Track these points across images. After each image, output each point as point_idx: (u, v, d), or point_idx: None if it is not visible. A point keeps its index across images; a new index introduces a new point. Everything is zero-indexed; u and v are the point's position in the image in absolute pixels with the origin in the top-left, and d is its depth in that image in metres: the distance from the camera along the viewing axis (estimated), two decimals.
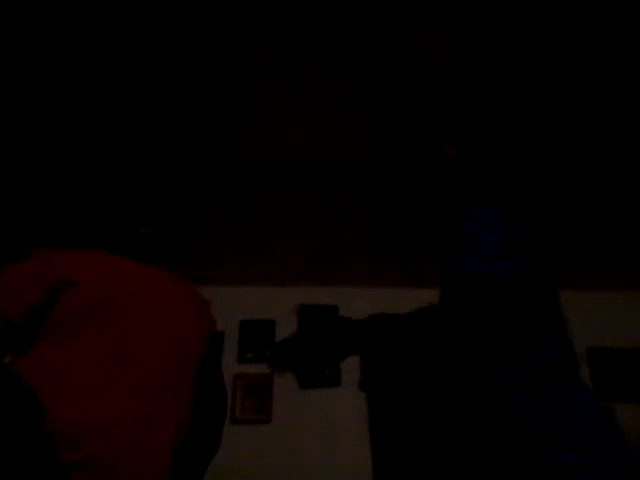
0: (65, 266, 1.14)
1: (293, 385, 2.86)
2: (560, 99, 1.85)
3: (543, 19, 1.57)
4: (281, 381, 2.86)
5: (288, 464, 2.66)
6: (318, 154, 2.14)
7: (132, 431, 1.01)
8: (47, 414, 0.93)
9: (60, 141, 2.05)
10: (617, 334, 2.97)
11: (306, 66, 1.73)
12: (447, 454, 2.38)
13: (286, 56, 1.69)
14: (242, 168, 2.22)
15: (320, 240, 2.71)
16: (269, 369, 1.87)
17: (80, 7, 1.53)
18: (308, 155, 2.14)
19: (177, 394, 1.14)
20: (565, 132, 2.00)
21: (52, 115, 1.92)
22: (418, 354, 1.08)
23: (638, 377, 2.85)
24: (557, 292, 1.19)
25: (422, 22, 1.56)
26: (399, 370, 2.85)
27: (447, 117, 1.24)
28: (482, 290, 1.01)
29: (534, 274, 1.11)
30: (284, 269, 3.00)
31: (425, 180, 1.18)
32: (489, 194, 1.21)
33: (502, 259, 1.03)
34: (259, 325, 3.03)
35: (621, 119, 1.93)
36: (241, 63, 1.73)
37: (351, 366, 2.90)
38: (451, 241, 1.12)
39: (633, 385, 2.83)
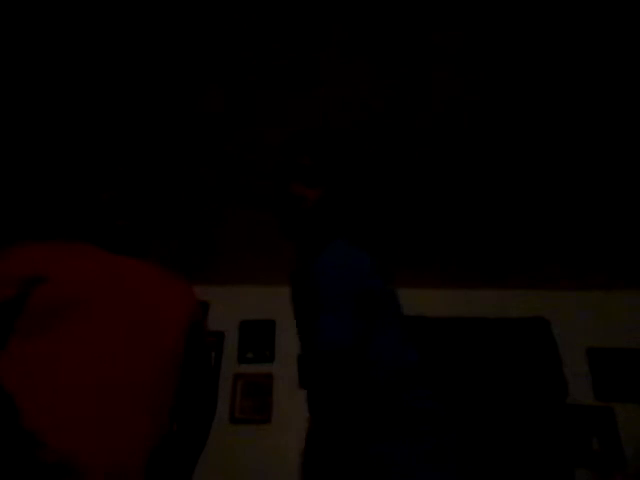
0: (35, 262, 1.10)
1: (293, 385, 2.86)
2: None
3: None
4: (281, 381, 2.86)
5: (288, 464, 2.66)
6: None
7: (104, 431, 0.99)
8: (22, 416, 0.91)
9: (36, 132, 2.02)
10: (617, 334, 2.97)
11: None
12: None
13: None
14: (239, 166, 2.22)
15: None
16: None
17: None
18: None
19: (154, 391, 1.10)
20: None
21: (29, 106, 1.91)
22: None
23: (638, 377, 2.85)
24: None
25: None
26: None
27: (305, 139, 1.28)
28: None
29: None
30: (284, 269, 2.99)
31: (293, 199, 1.21)
32: (348, 223, 1.26)
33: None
34: (259, 325, 3.03)
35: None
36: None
37: None
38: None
39: (633, 385, 2.83)
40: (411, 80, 1.78)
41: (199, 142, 2.09)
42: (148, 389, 1.09)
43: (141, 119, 1.97)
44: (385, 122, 1.97)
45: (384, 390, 1.04)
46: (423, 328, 2.96)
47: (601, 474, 2.62)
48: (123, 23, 1.60)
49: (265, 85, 1.83)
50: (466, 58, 1.70)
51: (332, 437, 1.05)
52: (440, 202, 2.40)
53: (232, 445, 2.69)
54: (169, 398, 1.16)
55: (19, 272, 1.08)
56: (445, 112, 1.92)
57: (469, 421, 2.75)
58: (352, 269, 1.10)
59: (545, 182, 2.26)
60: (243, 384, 2.84)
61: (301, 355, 1.28)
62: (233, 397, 2.80)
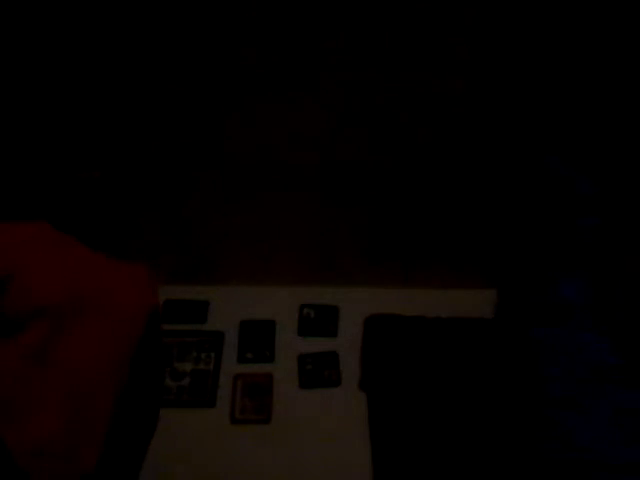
0: (6, 260, 1.09)
1: (293, 385, 2.86)
2: None
3: None
4: (281, 381, 2.87)
5: (288, 464, 2.66)
6: (317, 153, 2.14)
7: (59, 441, 0.99)
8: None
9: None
10: None
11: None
12: (451, 453, 2.38)
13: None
14: (240, 167, 2.22)
15: (320, 240, 2.71)
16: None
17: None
18: (308, 154, 2.14)
19: (103, 394, 1.09)
20: None
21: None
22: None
23: None
24: None
25: None
26: (403, 371, 2.85)
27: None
28: None
29: None
30: (284, 269, 3.00)
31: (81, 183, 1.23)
32: None
33: None
34: (259, 325, 3.03)
35: None
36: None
37: (351, 366, 2.90)
38: None
39: None
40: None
41: (199, 142, 2.09)
42: (100, 392, 1.09)
43: (139, 118, 1.98)
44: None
45: None
46: (423, 328, 2.96)
47: None
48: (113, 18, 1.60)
49: (266, 85, 1.83)
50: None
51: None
52: (440, 202, 2.41)
53: (232, 445, 2.69)
54: (111, 396, 1.15)
55: None
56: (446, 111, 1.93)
57: (469, 420, 2.75)
58: None
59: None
60: (243, 384, 2.84)
61: None
62: (233, 397, 2.80)
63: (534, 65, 1.68)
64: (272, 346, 2.97)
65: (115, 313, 1.15)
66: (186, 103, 1.89)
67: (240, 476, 2.62)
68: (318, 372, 2.89)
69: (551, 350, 1.02)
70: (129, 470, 1.14)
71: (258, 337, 3.00)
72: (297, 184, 2.28)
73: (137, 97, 1.87)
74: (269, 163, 2.16)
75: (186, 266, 2.97)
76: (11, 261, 1.09)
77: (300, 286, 3.13)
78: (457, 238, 2.65)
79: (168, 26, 1.65)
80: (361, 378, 2.87)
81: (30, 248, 1.13)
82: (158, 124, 1.97)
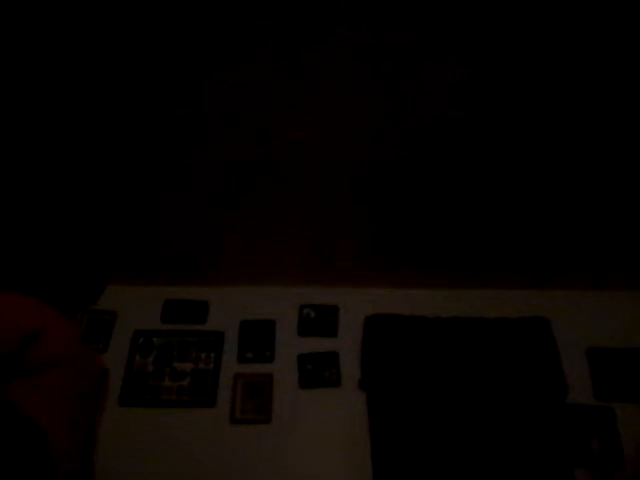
0: (29, 319, 1.35)
1: (293, 385, 2.86)
2: None
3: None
4: (281, 381, 2.87)
5: (288, 464, 2.66)
6: (319, 153, 2.14)
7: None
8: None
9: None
10: (617, 334, 2.98)
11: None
12: (451, 453, 2.39)
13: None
14: (240, 167, 2.22)
15: (320, 240, 2.71)
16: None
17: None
18: (308, 154, 2.14)
19: None
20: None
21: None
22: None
23: (638, 377, 2.85)
24: None
25: None
26: (403, 371, 2.85)
27: None
28: None
29: None
30: (284, 269, 3.00)
31: None
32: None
33: None
34: (259, 325, 3.03)
35: None
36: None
37: (351, 366, 2.91)
38: None
39: (633, 385, 2.83)
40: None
41: (198, 142, 2.09)
42: None
43: (137, 118, 1.97)
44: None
45: None
46: (423, 328, 2.96)
47: (601, 474, 2.62)
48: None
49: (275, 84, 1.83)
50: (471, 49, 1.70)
51: None
52: (440, 202, 2.40)
53: (232, 445, 2.70)
54: None
55: (19, 328, 1.32)
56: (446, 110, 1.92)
57: (469, 420, 2.75)
58: None
59: (546, 182, 2.26)
60: (243, 384, 2.85)
61: None
62: (233, 397, 2.81)
63: None
64: (272, 346, 2.97)
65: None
66: (185, 103, 1.89)
67: (240, 476, 2.63)
68: (318, 372, 2.89)
69: None
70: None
71: (258, 337, 3.00)
72: (297, 184, 2.28)
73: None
74: (269, 163, 2.16)
75: (186, 266, 2.97)
76: (35, 320, 1.35)
77: (300, 286, 3.13)
78: (456, 238, 2.65)
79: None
80: (361, 378, 2.87)
81: (43, 310, 1.43)
82: (158, 123, 1.98)
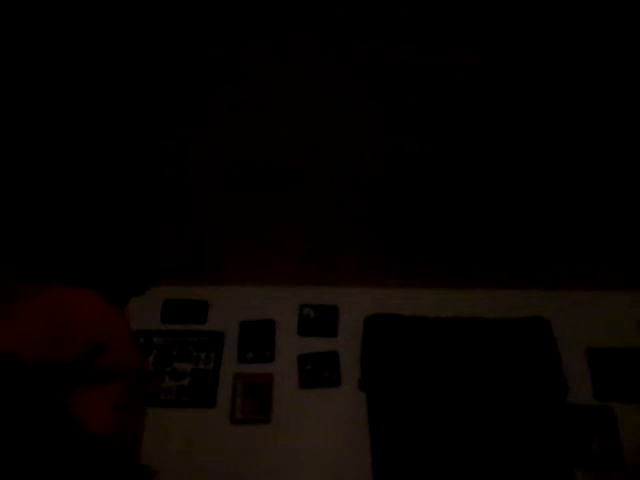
0: (98, 326, 1.28)
1: (293, 385, 2.86)
2: None
3: None
4: (281, 381, 2.87)
5: (288, 464, 2.66)
6: (319, 154, 2.14)
7: None
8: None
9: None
10: (617, 334, 2.98)
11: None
12: (450, 453, 2.39)
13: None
14: (240, 167, 2.22)
15: (320, 240, 2.71)
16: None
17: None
18: (309, 154, 2.14)
19: None
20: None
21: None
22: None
23: (638, 377, 2.85)
24: None
25: None
26: (403, 371, 2.85)
27: None
28: None
29: None
30: (284, 269, 3.00)
31: None
32: None
33: None
34: (259, 325, 3.03)
35: None
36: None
37: (351, 366, 2.90)
38: None
39: (633, 385, 2.83)
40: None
41: (198, 142, 2.09)
42: None
43: (137, 119, 1.97)
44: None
45: None
46: (423, 328, 2.96)
47: (601, 474, 2.62)
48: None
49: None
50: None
51: None
52: (440, 202, 2.40)
53: (232, 445, 2.70)
54: None
55: (86, 334, 1.22)
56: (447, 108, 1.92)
57: (469, 421, 2.75)
58: None
59: (546, 181, 2.26)
60: (243, 384, 2.85)
61: None
62: (233, 397, 2.80)
63: None
64: (272, 346, 2.97)
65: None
66: (184, 102, 1.89)
67: (240, 475, 2.63)
68: (318, 372, 2.89)
69: None
70: None
71: (258, 337, 3.00)
72: (297, 184, 2.28)
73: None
74: (269, 163, 2.16)
75: (186, 266, 2.97)
76: (103, 328, 1.29)
77: (300, 286, 3.13)
78: (456, 238, 2.65)
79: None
80: (361, 378, 2.87)
81: (108, 313, 1.36)
82: (157, 121, 1.98)
